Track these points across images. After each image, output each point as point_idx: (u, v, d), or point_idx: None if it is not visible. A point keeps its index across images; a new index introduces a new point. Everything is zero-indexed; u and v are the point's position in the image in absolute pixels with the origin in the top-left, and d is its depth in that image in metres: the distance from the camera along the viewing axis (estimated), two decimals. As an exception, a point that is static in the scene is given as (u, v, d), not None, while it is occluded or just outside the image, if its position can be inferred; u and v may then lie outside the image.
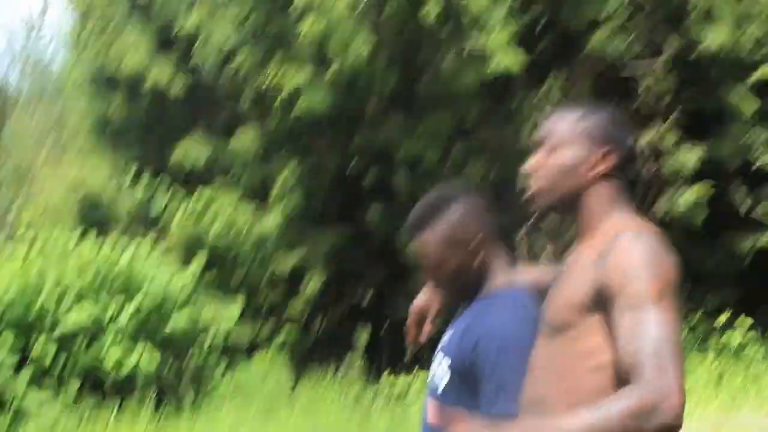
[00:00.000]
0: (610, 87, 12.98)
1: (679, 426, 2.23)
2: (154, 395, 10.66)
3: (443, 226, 2.85)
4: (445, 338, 2.92)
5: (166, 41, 13.72)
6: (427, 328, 3.10)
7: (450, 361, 2.83)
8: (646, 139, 12.75)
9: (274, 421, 10.27)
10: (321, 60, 11.33)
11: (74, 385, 10.51)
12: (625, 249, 2.39)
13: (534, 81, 12.36)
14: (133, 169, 12.62)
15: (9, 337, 10.35)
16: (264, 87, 11.86)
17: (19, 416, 10.28)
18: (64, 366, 10.54)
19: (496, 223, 2.92)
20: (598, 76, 12.81)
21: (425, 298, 3.11)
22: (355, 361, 12.14)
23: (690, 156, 12.56)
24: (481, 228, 2.87)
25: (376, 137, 12.00)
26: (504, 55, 10.91)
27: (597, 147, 2.58)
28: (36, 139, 17.10)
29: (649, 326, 2.29)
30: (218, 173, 13.38)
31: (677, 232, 13.22)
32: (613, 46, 12.20)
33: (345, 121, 12.04)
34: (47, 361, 10.49)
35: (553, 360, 2.54)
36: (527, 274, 2.98)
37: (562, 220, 2.84)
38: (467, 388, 2.78)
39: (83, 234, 11.53)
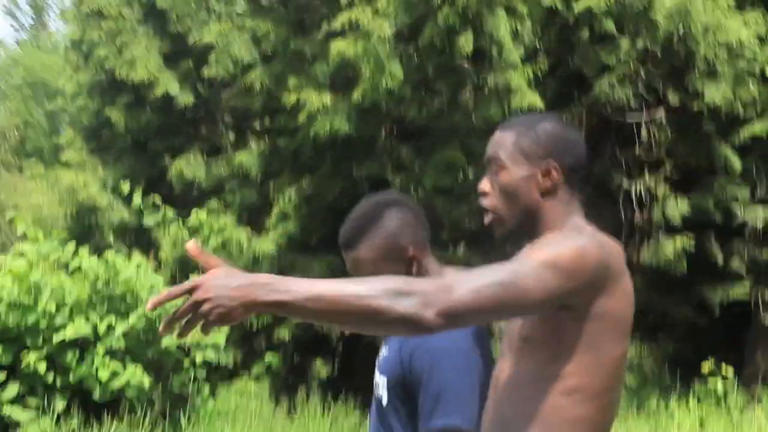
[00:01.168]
0: (612, 132, 13.05)
1: (419, 329, 2.11)
2: (144, 415, 10.37)
3: (378, 237, 2.79)
4: (381, 356, 2.88)
5: (177, 51, 13.39)
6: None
7: (386, 380, 2.80)
8: (640, 186, 12.83)
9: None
10: (343, 83, 11.12)
11: (63, 401, 10.17)
12: (559, 233, 2.39)
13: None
14: (128, 182, 12.24)
15: (-3, 350, 10.01)
16: (281, 105, 11.61)
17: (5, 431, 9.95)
18: (53, 381, 10.19)
19: (427, 233, 2.87)
20: (602, 120, 12.82)
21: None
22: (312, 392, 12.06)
23: (678, 207, 12.70)
24: (415, 238, 2.82)
25: (385, 165, 11.83)
26: (528, 92, 10.81)
27: (539, 164, 2.51)
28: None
29: (502, 267, 2.21)
30: (215, 192, 13.11)
31: (658, 280, 13.39)
32: (618, 92, 12.18)
33: (355, 147, 11.84)
34: (36, 377, 10.13)
35: (515, 380, 2.46)
36: None
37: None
38: (407, 403, 2.74)
39: (77, 246, 11.18)
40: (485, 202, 2.56)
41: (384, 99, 10.70)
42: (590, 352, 2.37)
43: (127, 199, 12.65)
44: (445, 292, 2.12)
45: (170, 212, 12.12)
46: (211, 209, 12.50)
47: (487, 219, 2.57)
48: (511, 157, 2.52)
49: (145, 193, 12.45)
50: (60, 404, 10.18)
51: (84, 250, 11.09)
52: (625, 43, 12.38)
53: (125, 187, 12.13)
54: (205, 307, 2.05)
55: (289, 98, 10.99)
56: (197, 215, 12.05)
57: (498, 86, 11.05)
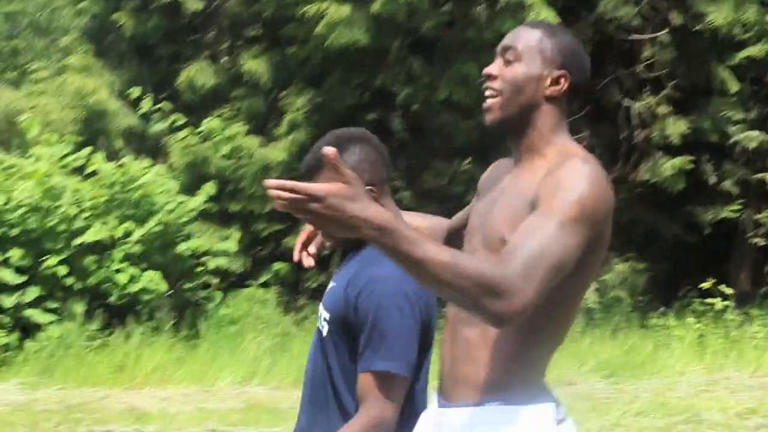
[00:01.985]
0: (613, 50, 13.06)
1: (501, 326, 2.23)
2: (168, 319, 10.40)
3: None
4: (327, 290, 2.88)
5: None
6: (312, 250, 3.08)
7: (329, 315, 2.80)
8: (640, 105, 12.90)
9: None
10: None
11: (82, 304, 10.14)
12: (568, 168, 2.39)
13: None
14: (138, 88, 12.03)
15: (17, 253, 9.92)
16: (292, 14, 11.42)
17: (26, 334, 9.92)
18: (72, 285, 10.15)
19: (388, 172, 2.87)
20: (605, 38, 12.82)
21: None
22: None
23: (676, 128, 12.80)
24: (374, 175, 2.79)
25: (396, 76, 11.73)
26: (543, 6, 10.77)
27: (554, 68, 2.56)
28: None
29: (544, 234, 2.27)
30: (222, 100, 12.93)
31: (652, 197, 13.56)
32: (622, 11, 12.18)
33: (368, 57, 11.72)
34: (55, 280, 10.08)
35: None
36: (413, 222, 2.90)
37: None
38: (346, 339, 2.76)
39: (89, 150, 11.05)
40: (491, 84, 2.57)
41: (402, 11, 10.56)
42: (562, 302, 2.46)
43: (134, 105, 12.46)
44: (522, 293, 2.18)
45: (180, 119, 11.94)
46: (220, 117, 12.34)
47: (488, 102, 2.59)
48: (530, 53, 2.55)
49: (153, 100, 12.24)
50: (79, 307, 10.15)
51: (98, 155, 10.97)
52: (630, -39, 12.34)
53: (135, 92, 11.94)
54: (315, 205, 2.09)
55: (310, 9, 10.81)
56: (210, 122, 11.90)
57: (511, 1, 10.98)
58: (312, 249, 3.08)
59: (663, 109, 12.96)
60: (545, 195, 2.35)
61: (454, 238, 2.98)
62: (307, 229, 3.08)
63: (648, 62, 12.97)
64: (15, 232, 10.10)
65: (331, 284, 2.89)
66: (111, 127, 12.66)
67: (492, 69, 2.58)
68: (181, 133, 12.00)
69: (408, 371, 2.70)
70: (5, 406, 8.10)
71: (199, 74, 12.59)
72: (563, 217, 2.30)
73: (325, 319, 2.83)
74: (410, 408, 2.76)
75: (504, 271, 2.19)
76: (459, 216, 3.08)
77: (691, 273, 14.06)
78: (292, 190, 2.08)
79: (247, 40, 13.10)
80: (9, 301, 9.89)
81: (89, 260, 10.29)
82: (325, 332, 2.83)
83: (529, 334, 2.44)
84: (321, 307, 2.88)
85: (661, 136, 12.94)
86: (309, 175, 2.79)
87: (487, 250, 2.50)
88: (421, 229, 2.82)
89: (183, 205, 10.91)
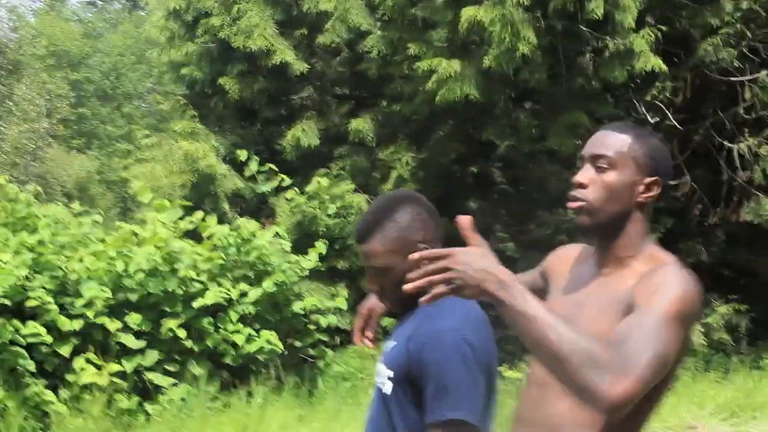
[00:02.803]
0: (713, 93, 12.92)
1: (601, 405, 2.20)
2: (287, 378, 10.36)
3: (391, 230, 2.79)
4: (387, 348, 2.88)
5: (290, 19, 13.22)
6: (370, 334, 3.09)
7: (392, 373, 2.78)
8: (745, 145, 12.71)
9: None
10: (465, 49, 10.96)
11: (200, 366, 10.14)
12: (666, 272, 2.41)
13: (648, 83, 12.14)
14: (244, 151, 12.11)
15: (136, 318, 9.97)
16: (397, 71, 11.46)
17: (147, 397, 9.93)
18: (190, 347, 10.15)
19: (439, 230, 2.86)
20: (705, 81, 12.68)
21: (374, 300, 3.07)
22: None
23: (780, 167, 12.60)
24: (427, 234, 2.81)
25: (504, 129, 11.70)
26: (651, 55, 10.68)
27: (646, 175, 2.58)
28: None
29: (649, 327, 2.28)
30: (327, 160, 13.00)
31: (753, 239, 13.33)
32: (723, 53, 12.03)
33: (474, 111, 11.72)
34: (174, 343, 10.10)
35: None
36: None
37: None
38: (412, 397, 2.72)
39: (202, 214, 11.12)
40: (582, 193, 2.58)
41: (515, 64, 10.52)
42: (651, 397, 2.42)
43: (239, 168, 12.55)
44: (630, 378, 2.19)
45: (286, 179, 11.98)
46: (326, 176, 12.38)
47: (576, 204, 2.58)
48: (622, 160, 2.56)
49: (259, 162, 12.33)
50: (198, 369, 10.16)
51: (211, 219, 11.03)
52: (728, 4, 12.18)
53: (242, 155, 12.01)
54: (448, 274, 2.22)
55: (421, 65, 10.82)
56: (318, 182, 11.93)
57: (620, 49, 10.90)
58: (369, 333, 3.11)
59: (764, 150, 12.76)
60: (644, 295, 2.36)
61: None
62: (362, 312, 3.11)
63: (748, 104, 12.80)
64: (134, 297, 10.15)
65: (391, 342, 2.88)
66: (218, 190, 12.74)
67: (582, 178, 2.59)
68: (289, 193, 12.03)
69: (477, 420, 2.65)
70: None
71: (303, 135, 12.67)
72: (665, 314, 2.30)
73: (388, 377, 2.80)
74: None
75: (614, 354, 2.20)
76: (522, 278, 2.98)
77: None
78: (424, 256, 2.26)
79: (351, 99, 13.17)
80: (129, 365, 9.92)
81: (206, 322, 10.31)
82: (388, 391, 2.80)
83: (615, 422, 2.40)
84: (381, 365, 2.86)
85: (764, 176, 12.71)
86: (362, 239, 2.83)
87: None
88: None
89: (295, 265, 10.91)
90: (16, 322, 9.59)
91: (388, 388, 2.80)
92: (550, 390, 2.55)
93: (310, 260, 11.01)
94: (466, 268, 2.22)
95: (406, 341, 2.74)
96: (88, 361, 9.83)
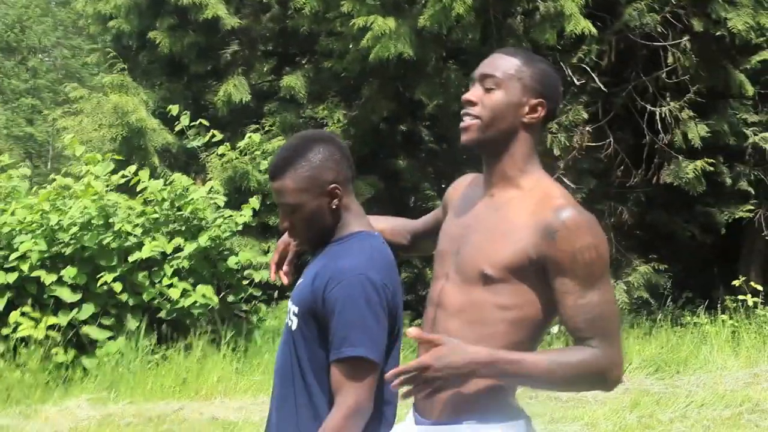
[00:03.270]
0: (637, 57, 13.14)
1: (614, 388, 2.57)
2: (223, 332, 10.34)
3: (304, 168, 2.84)
4: (296, 286, 2.95)
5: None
6: (286, 268, 3.16)
7: (297, 309, 2.86)
8: (667, 109, 12.97)
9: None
10: (397, 7, 10.96)
11: (135, 320, 10.06)
12: (572, 230, 2.49)
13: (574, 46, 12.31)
14: (177, 106, 11.92)
15: (71, 271, 9.83)
16: (330, 28, 11.39)
17: (83, 351, 9.83)
18: (126, 301, 10.06)
19: (353, 173, 2.94)
20: (629, 46, 12.89)
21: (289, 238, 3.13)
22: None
23: (697, 131, 12.91)
24: (339, 174, 2.87)
25: (435, 88, 11.73)
26: (581, 18, 10.83)
27: (532, 96, 2.66)
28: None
29: (597, 306, 2.49)
30: (258, 116, 12.89)
31: (671, 200, 13.69)
32: (647, 17, 12.27)
33: (407, 70, 11.73)
34: (110, 297, 10.00)
35: (468, 306, 2.63)
36: (378, 223, 3.07)
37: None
38: (316, 331, 2.81)
39: (134, 168, 10.97)
40: (472, 109, 2.67)
41: (449, 24, 10.56)
42: (539, 328, 2.65)
43: (170, 122, 12.37)
44: (618, 361, 2.52)
45: (217, 135, 11.87)
46: (258, 131, 12.29)
47: (466, 122, 2.67)
48: (509, 81, 2.64)
49: (189, 117, 12.16)
50: (133, 323, 10.07)
51: (144, 173, 10.89)
52: (653, -30, 12.42)
53: (174, 109, 11.84)
54: (436, 384, 2.48)
55: (356, 21, 10.78)
56: (250, 137, 11.83)
57: (550, 12, 11.02)
58: (285, 267, 3.15)
59: (685, 114, 13.05)
60: (565, 264, 2.49)
61: (420, 241, 3.18)
62: (278, 248, 3.17)
63: (670, 68, 13.05)
64: (68, 250, 10.01)
65: (300, 280, 2.94)
66: (148, 145, 12.55)
67: (471, 95, 2.69)
68: (221, 149, 11.92)
69: (379, 357, 2.74)
70: (84, 420, 8.03)
71: (235, 90, 12.55)
72: (596, 280, 2.50)
73: (294, 314, 2.88)
74: (380, 395, 2.80)
75: (596, 355, 2.48)
76: (425, 220, 3.21)
77: (707, 272, 14.28)
78: (407, 372, 2.46)
79: (279, 54, 13.06)
80: (65, 319, 9.80)
81: (141, 276, 10.22)
82: (294, 326, 2.87)
83: (509, 335, 2.59)
84: (290, 302, 2.94)
85: (683, 139, 13.02)
86: (274, 176, 2.88)
87: (463, 280, 2.64)
88: (385, 232, 3.00)
89: (229, 220, 10.85)
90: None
91: (294, 323, 2.88)
92: (442, 309, 2.68)
93: (244, 215, 10.97)
94: (449, 371, 2.44)
95: (313, 278, 2.80)
96: (23, 314, 9.69)
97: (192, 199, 10.55)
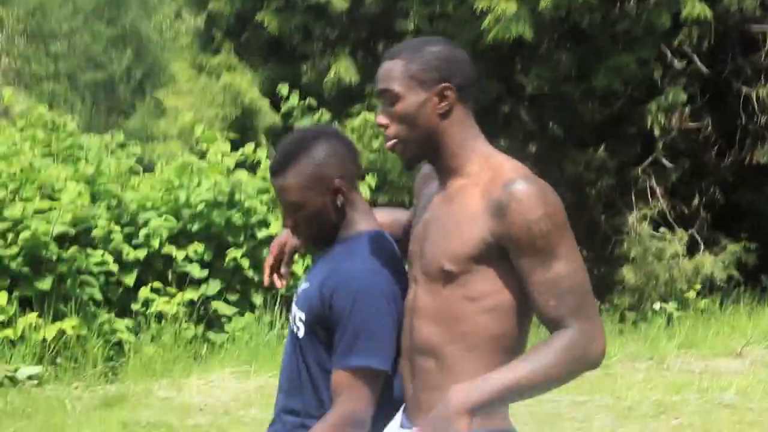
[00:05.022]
0: (734, 41, 12.94)
1: (601, 361, 2.39)
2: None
3: (307, 165, 2.70)
4: (300, 290, 2.81)
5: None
6: (283, 270, 2.97)
7: (304, 315, 2.74)
8: (764, 90, 12.77)
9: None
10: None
11: (260, 296, 9.95)
12: (523, 202, 2.33)
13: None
14: (286, 85, 11.77)
15: (199, 247, 9.72)
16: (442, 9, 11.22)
17: (210, 327, 9.74)
18: (252, 277, 9.94)
19: (357, 168, 2.82)
20: (728, 29, 12.69)
21: (285, 237, 2.96)
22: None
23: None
24: (343, 170, 2.73)
25: (552, 69, 11.55)
26: (695, 2, 10.63)
27: (432, 87, 2.46)
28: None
29: (564, 279, 2.33)
30: (361, 98, 12.73)
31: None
32: (746, 1, 12.09)
33: (511, 53, 11.57)
34: (236, 273, 9.89)
35: (439, 306, 2.48)
36: (381, 218, 2.90)
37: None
38: (323, 339, 2.70)
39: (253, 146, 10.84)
40: (387, 133, 2.52)
41: (575, 5, 10.39)
42: (519, 333, 2.49)
43: (275, 102, 12.23)
44: (596, 333, 2.35)
45: (326, 115, 11.71)
46: (371, 111, 12.12)
47: (389, 145, 2.53)
48: (404, 86, 2.46)
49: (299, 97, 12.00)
50: (258, 299, 9.95)
51: (262, 151, 10.76)
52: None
53: (283, 89, 11.68)
54: None
55: (481, 4, 10.59)
56: (365, 117, 11.67)
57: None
58: (283, 269, 2.98)
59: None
60: (524, 243, 2.33)
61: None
62: (273, 250, 2.98)
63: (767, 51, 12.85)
64: (196, 227, 9.90)
65: (304, 285, 2.80)
66: (257, 124, 12.41)
67: (380, 118, 2.53)
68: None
69: (386, 365, 2.63)
70: (243, 393, 7.96)
71: (345, 71, 12.38)
72: (557, 249, 2.33)
73: (300, 320, 2.75)
74: (389, 394, 2.69)
75: (572, 337, 2.31)
76: (412, 213, 2.98)
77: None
78: None
79: (387, 35, 12.87)
80: (195, 294, 9.69)
81: (267, 252, 10.08)
82: (301, 333, 2.75)
83: (489, 363, 2.42)
84: (294, 307, 2.80)
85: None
86: (276, 173, 2.73)
87: (429, 281, 2.48)
88: (385, 225, 2.82)
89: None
90: (90, 250, 9.32)
91: (300, 330, 2.75)
92: (416, 316, 2.53)
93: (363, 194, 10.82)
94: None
95: (320, 284, 2.68)
96: (152, 290, 9.59)
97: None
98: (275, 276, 2.99)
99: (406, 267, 2.71)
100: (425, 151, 2.50)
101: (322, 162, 2.68)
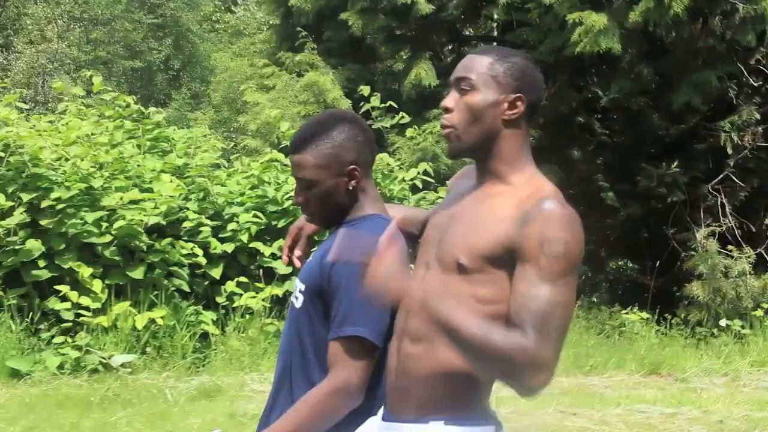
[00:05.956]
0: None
1: (531, 396, 2.29)
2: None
3: (326, 145, 2.74)
4: (305, 264, 2.88)
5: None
6: (298, 252, 3.04)
7: (304, 286, 2.77)
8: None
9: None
10: (598, 2, 10.74)
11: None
12: (548, 219, 2.33)
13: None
14: (368, 86, 11.76)
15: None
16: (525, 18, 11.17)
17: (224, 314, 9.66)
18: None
19: (373, 157, 2.83)
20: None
21: (303, 222, 3.00)
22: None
23: None
24: (359, 156, 2.77)
25: (632, 83, 11.49)
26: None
27: (509, 92, 2.50)
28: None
29: (546, 304, 2.28)
30: (438, 101, 12.69)
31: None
32: None
33: (590, 65, 11.51)
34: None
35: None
36: (392, 211, 2.92)
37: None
38: (321, 310, 2.71)
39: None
40: (448, 117, 2.53)
41: (665, 22, 10.32)
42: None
43: (357, 102, 12.21)
44: (542, 367, 2.24)
45: (405, 117, 11.71)
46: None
47: (445, 132, 2.54)
48: (483, 81, 2.49)
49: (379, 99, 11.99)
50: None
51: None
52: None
53: (365, 90, 11.68)
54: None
55: (571, 16, 10.56)
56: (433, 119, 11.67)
57: (750, 13, 10.76)
58: (298, 252, 3.02)
59: None
60: (531, 255, 2.32)
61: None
62: (291, 232, 3.04)
63: None
64: (282, 223, 9.93)
65: (309, 259, 2.87)
66: (339, 123, 12.33)
67: (448, 102, 2.54)
68: (409, 131, 11.77)
69: (379, 339, 2.64)
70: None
71: (425, 74, 12.36)
72: (557, 277, 2.30)
73: (300, 291, 2.78)
74: (381, 373, 2.67)
75: (526, 346, 2.24)
76: (431, 211, 2.94)
77: None
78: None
79: (471, 41, 12.87)
80: (280, 290, 9.70)
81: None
82: (299, 304, 2.78)
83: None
84: (297, 280, 2.84)
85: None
86: (296, 149, 2.76)
87: (442, 270, 2.49)
88: (398, 220, 2.75)
89: (425, 201, 10.74)
90: (181, 243, 9.37)
91: (299, 301, 2.78)
92: (407, 335, 2.52)
93: (431, 196, 10.86)
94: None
95: (321, 257, 2.71)
96: (238, 284, 9.62)
97: (396, 177, 10.43)
98: (293, 257, 3.04)
99: (418, 253, 2.70)
100: (476, 149, 2.51)
101: (341, 144, 2.73)
